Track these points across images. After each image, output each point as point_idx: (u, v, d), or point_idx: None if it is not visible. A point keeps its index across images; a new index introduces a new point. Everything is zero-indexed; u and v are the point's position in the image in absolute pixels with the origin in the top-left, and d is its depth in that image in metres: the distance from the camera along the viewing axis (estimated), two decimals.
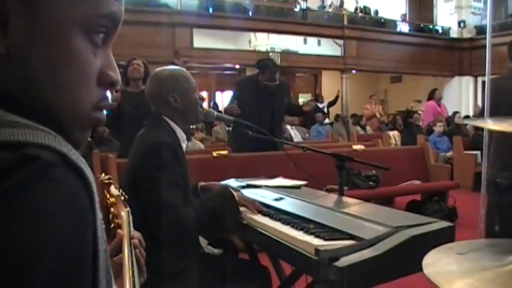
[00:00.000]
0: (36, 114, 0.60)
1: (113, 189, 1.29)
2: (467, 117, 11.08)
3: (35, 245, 0.49)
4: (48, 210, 0.50)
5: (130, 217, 1.21)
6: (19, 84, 0.60)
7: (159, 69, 2.40)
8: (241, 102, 4.89)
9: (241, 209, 2.21)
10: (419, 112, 11.53)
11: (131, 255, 1.09)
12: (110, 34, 0.68)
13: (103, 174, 1.32)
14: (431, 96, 10.60)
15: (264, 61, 5.23)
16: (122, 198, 1.27)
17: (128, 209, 1.24)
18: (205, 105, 13.99)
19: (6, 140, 0.52)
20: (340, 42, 15.18)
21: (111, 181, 1.31)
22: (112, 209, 1.24)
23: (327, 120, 12.46)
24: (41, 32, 0.60)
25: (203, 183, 2.57)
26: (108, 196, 1.27)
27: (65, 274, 0.51)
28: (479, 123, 2.09)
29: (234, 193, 2.21)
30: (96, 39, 0.65)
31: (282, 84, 5.21)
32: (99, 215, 0.57)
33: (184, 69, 2.42)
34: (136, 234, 1.19)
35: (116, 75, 0.70)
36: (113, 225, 1.20)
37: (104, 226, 0.60)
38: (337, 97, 14.36)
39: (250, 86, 5.11)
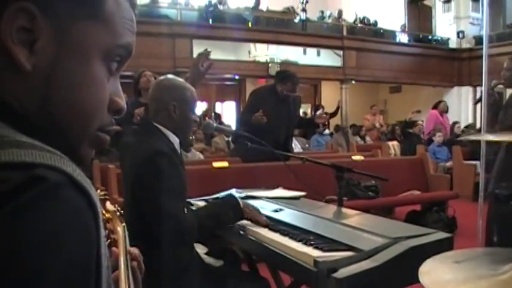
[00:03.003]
0: (45, 133, 0.62)
1: (109, 205, 1.30)
2: (467, 127, 11.08)
3: (42, 264, 0.50)
4: (55, 229, 0.51)
5: (126, 232, 1.22)
6: (36, 101, 0.63)
7: (170, 76, 2.39)
8: (258, 111, 4.93)
9: (244, 221, 2.21)
10: (420, 122, 11.53)
11: (128, 270, 1.10)
12: (122, 63, 0.73)
13: (98, 190, 1.32)
14: (436, 106, 10.65)
15: (285, 72, 5.39)
16: (118, 213, 1.28)
17: (124, 224, 1.24)
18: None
19: (14, 161, 0.53)
20: (340, 52, 15.21)
21: (106, 197, 1.31)
22: (108, 225, 1.24)
23: (327, 131, 12.46)
24: (66, 54, 0.64)
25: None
26: (104, 212, 1.28)
27: None
28: (477, 137, 2.10)
29: (240, 201, 2.21)
30: (111, 67, 0.70)
31: (296, 96, 5.32)
32: (103, 232, 0.59)
33: (193, 88, 2.40)
34: (134, 250, 1.20)
35: (123, 102, 0.74)
36: (109, 240, 1.21)
37: (106, 243, 0.61)
38: (338, 108, 14.39)
39: (269, 96, 5.18)
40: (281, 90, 5.08)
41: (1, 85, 0.61)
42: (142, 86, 4.83)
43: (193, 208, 2.44)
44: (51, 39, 0.62)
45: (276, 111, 5.01)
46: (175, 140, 2.27)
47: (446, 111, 10.84)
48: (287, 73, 5.35)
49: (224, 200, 2.35)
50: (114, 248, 1.14)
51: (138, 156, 2.18)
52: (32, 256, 0.49)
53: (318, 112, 10.87)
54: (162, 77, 2.39)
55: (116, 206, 1.30)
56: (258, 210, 2.27)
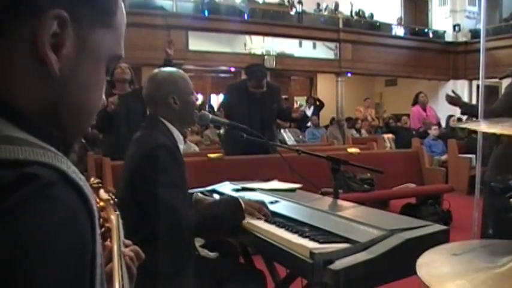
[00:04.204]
0: (43, 131, 0.62)
1: (102, 193, 1.28)
2: (460, 120, 11.04)
3: (35, 264, 0.49)
4: (48, 229, 0.50)
5: (120, 221, 1.21)
6: (49, 104, 0.64)
7: (157, 70, 2.40)
8: (231, 106, 4.93)
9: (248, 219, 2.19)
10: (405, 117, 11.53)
11: (121, 260, 1.09)
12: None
13: (92, 179, 1.31)
14: (415, 101, 10.40)
15: (252, 67, 5.24)
16: (112, 202, 1.26)
17: (118, 212, 1.23)
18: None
19: (6, 158, 0.52)
20: (331, 45, 15.19)
21: (100, 185, 1.30)
22: (102, 213, 1.23)
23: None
24: (84, 59, 0.67)
25: (199, 196, 2.57)
26: (97, 200, 1.26)
27: None
28: (473, 126, 2.09)
29: (242, 202, 2.19)
30: (108, 70, 0.74)
31: (272, 88, 5.23)
32: (98, 230, 0.58)
33: (182, 71, 2.43)
34: (134, 247, 1.19)
35: (104, 99, 0.78)
36: (103, 229, 1.20)
37: (101, 240, 0.60)
38: (319, 101, 14.36)
39: (240, 91, 5.14)
40: (249, 86, 5.04)
41: (17, 87, 0.61)
42: (116, 77, 4.83)
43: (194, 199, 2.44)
44: (74, 45, 0.64)
45: (248, 105, 4.97)
46: (179, 138, 2.29)
47: (427, 102, 10.59)
48: (253, 68, 5.19)
49: (227, 201, 2.34)
50: (107, 243, 1.12)
51: (141, 149, 2.19)
52: (24, 256, 0.48)
53: (296, 106, 10.83)
54: (153, 73, 2.39)
55: (110, 194, 1.29)
56: (263, 204, 2.25)
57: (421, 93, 10.25)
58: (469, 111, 4.29)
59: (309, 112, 13.27)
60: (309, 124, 11.75)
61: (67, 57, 0.64)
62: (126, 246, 1.18)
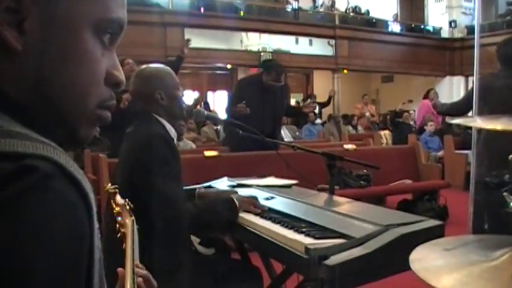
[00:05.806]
0: (43, 119, 0.62)
1: (119, 199, 1.29)
2: None
3: (31, 255, 0.49)
4: (45, 220, 0.51)
5: (135, 226, 1.22)
6: (29, 82, 0.62)
7: (143, 66, 2.42)
8: (243, 101, 4.90)
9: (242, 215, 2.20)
10: (411, 112, 11.56)
11: (133, 264, 1.09)
12: (116, 37, 0.71)
13: (109, 184, 1.32)
14: (426, 96, 10.58)
15: (270, 61, 5.30)
16: (127, 207, 1.27)
17: (133, 217, 1.24)
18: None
19: (5, 151, 0.53)
20: (332, 42, 15.18)
21: (116, 190, 1.31)
22: (119, 219, 1.24)
23: (318, 121, 12.46)
24: (56, 30, 0.63)
25: (202, 190, 2.57)
26: (114, 205, 1.27)
27: (60, 284, 0.51)
28: (468, 122, 2.10)
29: (236, 201, 2.20)
30: (104, 40, 0.68)
31: (283, 85, 5.24)
32: (96, 225, 0.58)
33: (168, 67, 2.44)
34: (146, 273, 1.18)
35: (121, 75, 0.74)
36: (119, 234, 1.20)
37: (100, 235, 0.60)
38: (330, 97, 14.35)
39: (253, 86, 5.13)
40: (266, 79, 5.03)
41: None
42: (124, 74, 4.80)
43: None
44: (39, 16, 0.61)
45: (261, 101, 4.96)
46: (171, 131, 2.30)
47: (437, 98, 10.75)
48: (272, 63, 5.25)
49: (221, 197, 2.35)
50: (119, 269, 1.12)
51: (136, 141, 2.20)
52: (21, 246, 0.49)
53: (308, 101, 10.83)
54: (138, 69, 2.41)
55: (126, 200, 1.30)
56: (255, 199, 2.27)
57: (432, 90, 10.43)
58: (444, 112, 4.34)
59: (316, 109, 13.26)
60: (318, 121, 11.76)
61: (33, 30, 0.61)
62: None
